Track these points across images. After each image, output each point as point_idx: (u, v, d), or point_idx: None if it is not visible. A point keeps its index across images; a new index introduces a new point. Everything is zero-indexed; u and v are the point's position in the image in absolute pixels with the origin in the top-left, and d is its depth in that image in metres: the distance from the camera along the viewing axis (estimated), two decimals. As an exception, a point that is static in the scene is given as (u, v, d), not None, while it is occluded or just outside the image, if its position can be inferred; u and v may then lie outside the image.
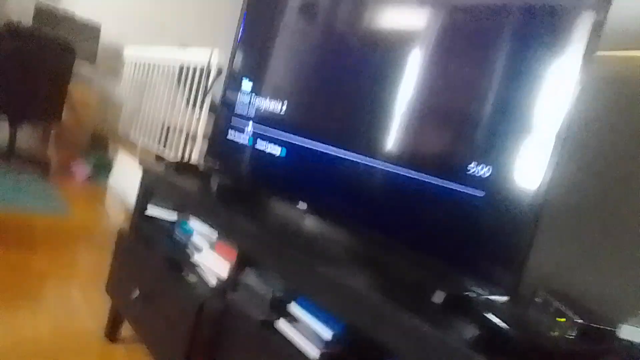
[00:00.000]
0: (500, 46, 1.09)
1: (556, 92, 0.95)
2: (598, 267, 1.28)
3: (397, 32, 1.35)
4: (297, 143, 1.48)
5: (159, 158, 3.42)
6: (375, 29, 1.40)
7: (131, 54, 4.30)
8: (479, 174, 1.03)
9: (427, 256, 1.12)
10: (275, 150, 1.55)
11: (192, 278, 1.49)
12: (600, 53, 1.15)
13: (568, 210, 1.31)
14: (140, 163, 1.87)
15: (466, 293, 1.01)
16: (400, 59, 1.27)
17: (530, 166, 0.96)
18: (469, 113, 1.11)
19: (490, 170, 1.02)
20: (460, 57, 1.19)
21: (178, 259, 1.57)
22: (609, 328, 0.99)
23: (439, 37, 1.23)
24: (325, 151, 1.39)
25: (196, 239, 1.58)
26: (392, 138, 1.25)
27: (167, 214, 1.77)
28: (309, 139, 1.45)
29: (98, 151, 4.22)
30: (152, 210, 1.81)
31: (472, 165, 1.05)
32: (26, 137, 4.01)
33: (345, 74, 1.40)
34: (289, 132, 1.52)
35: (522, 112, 1.00)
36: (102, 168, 3.99)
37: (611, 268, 1.26)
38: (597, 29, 0.93)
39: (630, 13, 1.30)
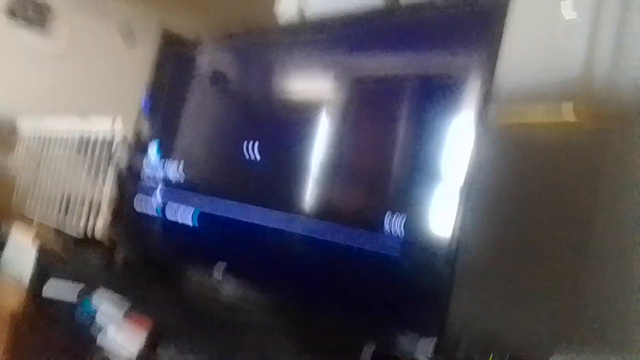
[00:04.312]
0: (400, 110, 1.15)
1: (456, 145, 1.02)
2: (520, 305, 1.32)
3: (305, 95, 1.38)
4: (207, 207, 1.45)
5: (59, 232, 3.19)
6: (284, 92, 1.43)
7: (26, 125, 4.07)
8: (394, 227, 1.05)
9: (351, 311, 1.10)
10: (186, 216, 1.50)
11: (99, 357, 1.36)
12: (494, 109, 1.24)
13: (484, 254, 1.35)
14: (36, 239, 1.73)
15: (394, 343, 1.00)
16: (309, 124, 1.30)
17: (441, 213, 0.99)
18: (378, 172, 1.15)
19: (405, 219, 1.04)
20: (366, 127, 1.24)
21: (83, 338, 1.43)
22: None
23: (347, 105, 1.28)
24: (237, 215, 1.36)
25: (104, 311, 1.45)
26: (307, 197, 1.25)
27: (69, 287, 1.62)
28: (220, 204, 1.42)
29: (-13, 230, 3.87)
30: (52, 286, 1.65)
31: (387, 223, 1.06)
32: None
33: (254, 137, 1.40)
34: (197, 196, 1.48)
35: (429, 165, 1.04)
36: (-8, 248, 3.64)
37: (532, 305, 1.31)
38: (487, 86, 1.00)
39: (521, 69, 1.42)
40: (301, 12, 2.06)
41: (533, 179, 1.36)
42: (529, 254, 1.33)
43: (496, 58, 1.00)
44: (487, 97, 1.00)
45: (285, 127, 1.34)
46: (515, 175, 1.37)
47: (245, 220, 1.33)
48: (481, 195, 1.00)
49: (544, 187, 1.35)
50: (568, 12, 1.38)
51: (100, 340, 1.37)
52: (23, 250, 3.38)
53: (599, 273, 1.22)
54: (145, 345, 1.25)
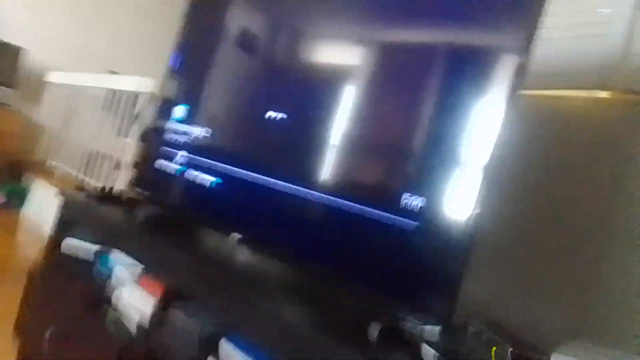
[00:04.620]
0: (429, 82, 1.12)
1: (484, 128, 0.98)
2: (529, 296, 1.31)
3: (331, 65, 1.36)
4: (229, 172, 1.44)
5: (80, 187, 3.25)
6: (310, 61, 1.41)
7: (56, 78, 4.11)
8: (412, 205, 1.03)
9: (362, 287, 1.10)
10: (207, 179, 1.50)
11: (113, 316, 1.38)
12: (527, 92, 1.20)
13: (499, 242, 1.33)
14: (58, 191, 1.75)
15: (401, 324, 0.99)
16: (335, 92, 1.27)
17: (460, 197, 0.97)
18: (401, 146, 1.13)
19: (423, 202, 1.02)
20: (391, 93, 1.21)
21: (98, 295, 1.45)
22: (541, 357, 1.00)
23: (372, 71, 1.25)
24: (258, 181, 1.35)
25: (118, 273, 1.47)
26: (327, 168, 1.24)
27: (86, 246, 1.65)
28: (241, 168, 1.41)
29: (13, 179, 3.96)
30: (70, 242, 1.68)
31: (405, 196, 1.05)
32: None
33: (280, 105, 1.39)
34: (220, 161, 1.48)
35: (452, 146, 1.02)
36: (17, 196, 3.73)
37: (542, 297, 1.29)
38: (522, 68, 0.96)
39: (553, 54, 1.37)
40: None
41: (556, 163, 1.33)
42: (545, 244, 1.31)
43: (533, 35, 0.95)
44: (521, 76, 0.95)
45: (311, 95, 1.31)
46: (538, 159, 1.34)
47: (263, 188, 1.32)
48: (503, 179, 0.98)
49: (567, 173, 1.31)
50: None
51: (114, 297, 1.40)
52: (45, 202, 3.46)
53: (618, 269, 1.20)
54: (157, 307, 1.27)
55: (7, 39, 4.05)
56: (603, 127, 1.29)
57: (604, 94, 1.29)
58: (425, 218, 1.01)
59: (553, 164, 1.35)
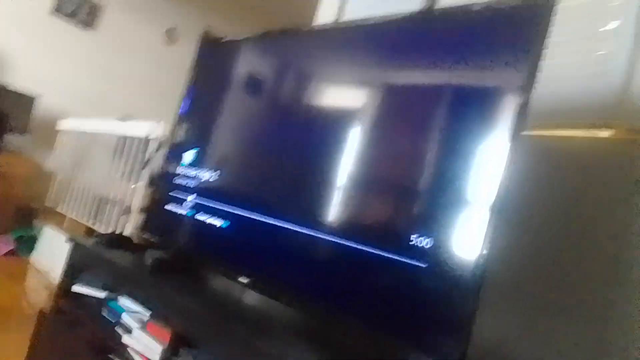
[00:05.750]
0: (433, 125, 1.13)
1: (488, 168, 0.99)
2: (543, 336, 1.28)
3: (338, 107, 1.38)
4: (237, 215, 1.45)
5: (90, 231, 3.26)
6: (316, 103, 1.43)
7: (67, 124, 4.18)
8: (420, 246, 1.03)
9: (372, 329, 1.09)
10: (216, 222, 1.51)
11: (120, 363, 1.37)
12: (530, 132, 1.21)
13: (510, 281, 1.32)
14: (68, 236, 1.76)
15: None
16: (341, 134, 1.29)
17: (468, 237, 0.98)
18: (407, 188, 1.14)
19: (432, 242, 1.02)
20: (397, 135, 1.22)
21: (105, 342, 1.44)
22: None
23: (377, 114, 1.27)
24: (266, 223, 1.36)
25: (126, 319, 1.46)
26: (335, 210, 1.24)
27: (95, 292, 1.64)
28: (250, 211, 1.42)
29: (23, 224, 3.97)
30: (79, 288, 1.68)
31: (413, 236, 1.05)
32: (-57, 209, 3.74)
33: (288, 147, 1.41)
34: (229, 204, 1.49)
35: (458, 186, 1.02)
36: (27, 242, 3.74)
37: (556, 337, 1.27)
38: (523, 109, 0.97)
39: (554, 94, 1.39)
40: (339, 20, 2.07)
41: (563, 202, 1.33)
42: (556, 282, 1.29)
43: (534, 76, 0.97)
44: (523, 116, 0.96)
45: (318, 137, 1.32)
46: (545, 198, 1.34)
47: (271, 230, 1.33)
48: (510, 218, 0.98)
49: (574, 211, 1.31)
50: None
51: (124, 339, 1.39)
52: (55, 248, 3.47)
53: (631, 309, 1.17)
54: (165, 354, 1.25)
55: (20, 86, 4.15)
56: (607, 165, 1.29)
57: (605, 133, 1.30)
58: (434, 258, 1.01)
59: (559, 202, 1.35)
